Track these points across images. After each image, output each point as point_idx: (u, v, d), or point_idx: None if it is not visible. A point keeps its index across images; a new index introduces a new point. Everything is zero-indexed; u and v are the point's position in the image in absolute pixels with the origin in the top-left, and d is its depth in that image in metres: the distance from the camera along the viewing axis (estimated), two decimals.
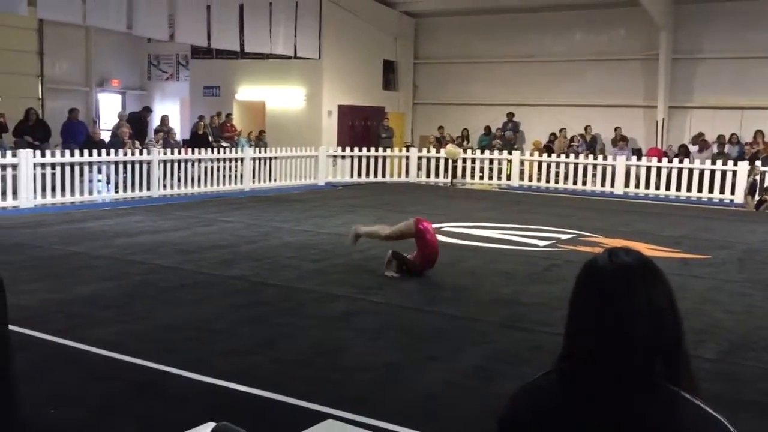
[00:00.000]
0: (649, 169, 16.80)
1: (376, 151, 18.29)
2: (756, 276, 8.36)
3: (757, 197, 15.30)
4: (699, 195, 16.14)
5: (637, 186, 16.88)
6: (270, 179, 16.51)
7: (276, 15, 16.97)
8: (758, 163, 15.91)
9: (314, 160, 17.52)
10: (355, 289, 7.17)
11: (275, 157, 16.69)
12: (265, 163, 16.47)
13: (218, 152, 15.70)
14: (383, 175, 18.26)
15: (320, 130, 19.43)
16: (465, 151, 18.72)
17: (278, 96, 20.02)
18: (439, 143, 19.65)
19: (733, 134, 17.89)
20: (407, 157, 18.79)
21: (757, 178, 15.50)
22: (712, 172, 16.09)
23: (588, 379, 1.33)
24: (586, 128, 19.43)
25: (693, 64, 18.75)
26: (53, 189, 12.64)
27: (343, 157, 18.07)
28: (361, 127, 20.18)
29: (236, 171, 15.91)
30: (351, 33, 19.85)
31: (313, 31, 18.44)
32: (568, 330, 1.40)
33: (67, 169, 12.85)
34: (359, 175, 18.08)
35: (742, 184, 15.67)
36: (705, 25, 18.48)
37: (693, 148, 17.92)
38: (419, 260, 7.79)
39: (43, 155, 12.65)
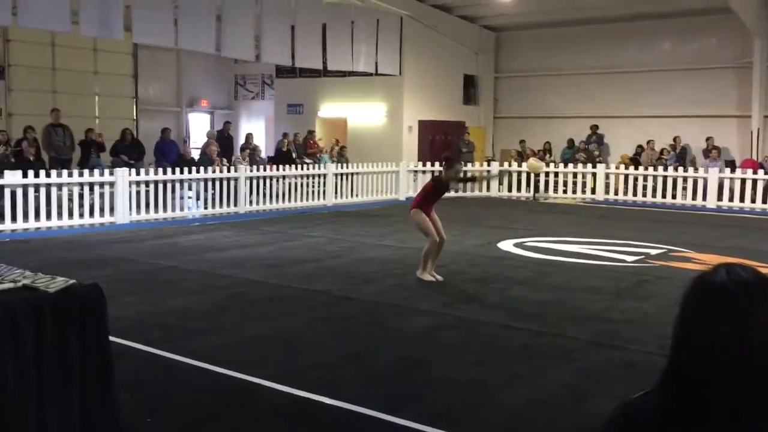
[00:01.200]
0: (744, 181, 16.08)
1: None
2: None
3: None
4: None
5: (731, 199, 16.17)
6: (352, 195, 16.69)
7: (357, 33, 17.23)
8: None
9: (395, 176, 17.62)
10: (439, 304, 7.14)
11: (357, 173, 16.87)
12: (346, 179, 16.67)
13: (302, 168, 16.00)
14: (464, 191, 18.17)
15: (401, 146, 19.53)
16: (548, 165, 18.41)
17: (359, 112, 20.28)
18: (521, 157, 19.41)
19: None
20: (488, 172, 18.63)
21: None
22: None
23: (699, 397, 1.29)
24: (674, 139, 18.79)
25: None
26: (147, 205, 13.18)
27: (424, 172, 18.08)
28: (441, 142, 20.17)
29: (319, 187, 16.17)
30: (431, 48, 19.92)
31: (393, 47, 18.60)
32: (676, 349, 1.36)
33: (160, 186, 13.38)
34: None
35: None
36: None
37: None
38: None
39: (138, 173, 13.22)
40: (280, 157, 17.34)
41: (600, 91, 20.32)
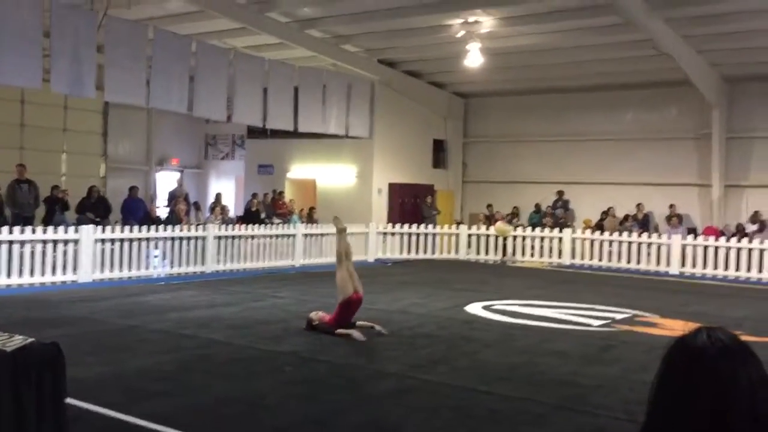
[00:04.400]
0: (706, 248, 16.40)
1: (426, 227, 18.35)
2: None
3: None
4: (760, 276, 15.61)
5: (693, 266, 16.46)
6: (320, 255, 16.65)
7: (329, 96, 17.51)
8: None
9: (364, 237, 17.64)
10: (407, 367, 7.08)
11: (326, 234, 16.87)
12: (316, 240, 16.65)
13: (271, 228, 15.95)
14: (432, 252, 18.25)
15: (370, 207, 19.63)
16: (515, 229, 18.63)
17: (329, 174, 20.40)
18: (489, 221, 19.62)
19: None
20: (457, 235, 18.78)
21: None
22: None
23: None
24: (638, 206, 19.18)
25: (748, 143, 18.49)
26: (111, 264, 12.96)
27: (393, 234, 18.18)
28: (410, 205, 20.32)
29: (288, 247, 16.09)
30: (401, 113, 20.27)
31: (364, 111, 18.90)
32: (653, 413, 1.36)
33: (126, 244, 13.21)
34: (408, 251, 18.12)
35: None
36: (760, 102, 18.31)
37: (751, 227, 17.48)
38: (337, 316, 8.30)
39: (103, 231, 13.04)
40: (250, 217, 17.30)
41: (566, 157, 20.77)
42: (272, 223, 17.12)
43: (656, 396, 1.37)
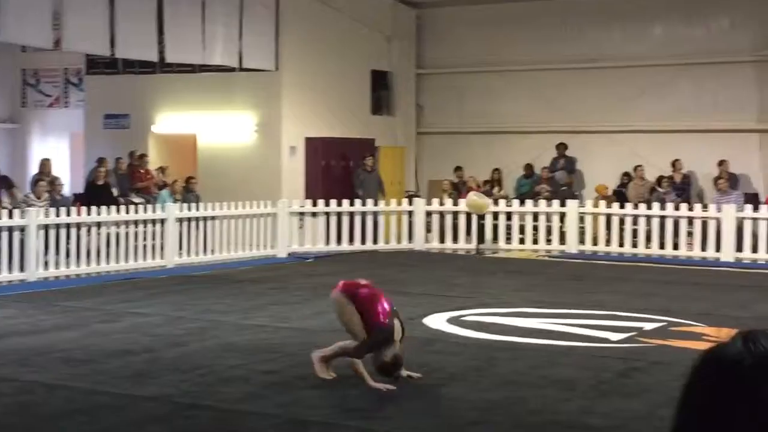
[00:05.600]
0: None
1: (363, 204, 18.36)
2: None
3: None
4: None
5: (754, 250, 16.92)
6: (205, 250, 16.50)
7: (211, 9, 17.30)
8: None
9: (271, 221, 17.55)
10: (336, 411, 7.15)
11: (212, 218, 16.71)
12: (197, 227, 16.49)
13: (127, 211, 15.75)
14: (375, 241, 18.28)
15: (279, 176, 19.53)
16: (496, 203, 18.79)
17: (216, 127, 20.19)
18: (458, 191, 19.73)
19: None
20: (410, 213, 18.84)
21: None
22: None
23: None
24: (674, 164, 19.57)
25: None
26: None
27: (315, 214, 18.11)
28: (340, 170, 20.29)
29: (155, 239, 15.92)
30: (323, 33, 20.13)
31: (267, 31, 18.72)
32: None
33: None
34: (338, 241, 18.10)
35: None
36: None
37: None
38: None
39: None
40: (94, 194, 17.03)
41: (569, 94, 21.02)
42: (130, 203, 16.87)
43: (678, 427, 1.42)
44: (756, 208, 17.33)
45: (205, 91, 19.97)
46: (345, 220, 18.19)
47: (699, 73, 20.09)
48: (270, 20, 18.83)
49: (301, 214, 18.07)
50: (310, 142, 20.11)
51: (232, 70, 18.38)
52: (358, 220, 18.21)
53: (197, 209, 16.74)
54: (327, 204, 18.09)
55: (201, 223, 16.59)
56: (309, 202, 18.34)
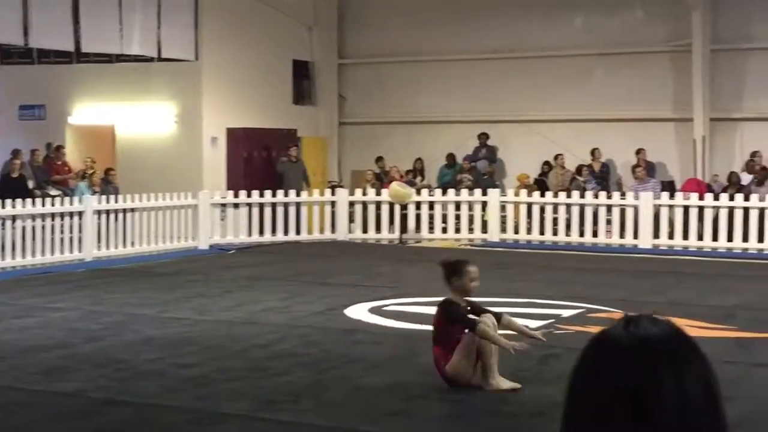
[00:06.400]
0: (687, 210, 17.18)
1: (286, 195, 18.30)
2: None
3: None
4: (760, 246, 16.52)
5: (670, 236, 17.24)
6: (124, 243, 16.32)
7: None
8: None
9: (191, 212, 17.42)
10: (255, 404, 7.11)
11: (132, 209, 16.51)
12: (116, 219, 16.31)
13: (43, 204, 15.51)
14: (297, 232, 18.24)
15: (200, 167, 19.42)
16: (419, 192, 18.88)
17: (135, 117, 19.99)
18: (381, 181, 19.79)
19: None
20: (333, 203, 18.84)
21: None
22: None
23: None
24: (593, 153, 19.85)
25: (741, 57, 19.48)
26: None
27: (237, 205, 18.02)
28: (262, 161, 20.21)
29: (72, 232, 15.71)
30: (244, 22, 20.05)
31: (186, 20, 18.56)
32: (564, 428, 1.44)
33: None
34: (261, 232, 18.02)
35: None
36: (754, 1, 19.25)
37: (747, 178, 18.41)
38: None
39: None
40: (8, 187, 16.80)
41: (490, 84, 21.16)
42: (47, 195, 16.62)
43: (566, 408, 1.45)
44: (672, 196, 17.68)
45: (123, 82, 19.79)
46: (267, 211, 18.12)
47: (616, 63, 20.40)
48: (189, 9, 18.68)
49: (223, 205, 17.96)
50: (231, 132, 20.02)
51: (151, 60, 18.20)
52: (280, 211, 18.16)
53: (116, 201, 16.55)
54: (249, 195, 18.02)
55: (120, 216, 16.40)
56: (231, 193, 18.25)
